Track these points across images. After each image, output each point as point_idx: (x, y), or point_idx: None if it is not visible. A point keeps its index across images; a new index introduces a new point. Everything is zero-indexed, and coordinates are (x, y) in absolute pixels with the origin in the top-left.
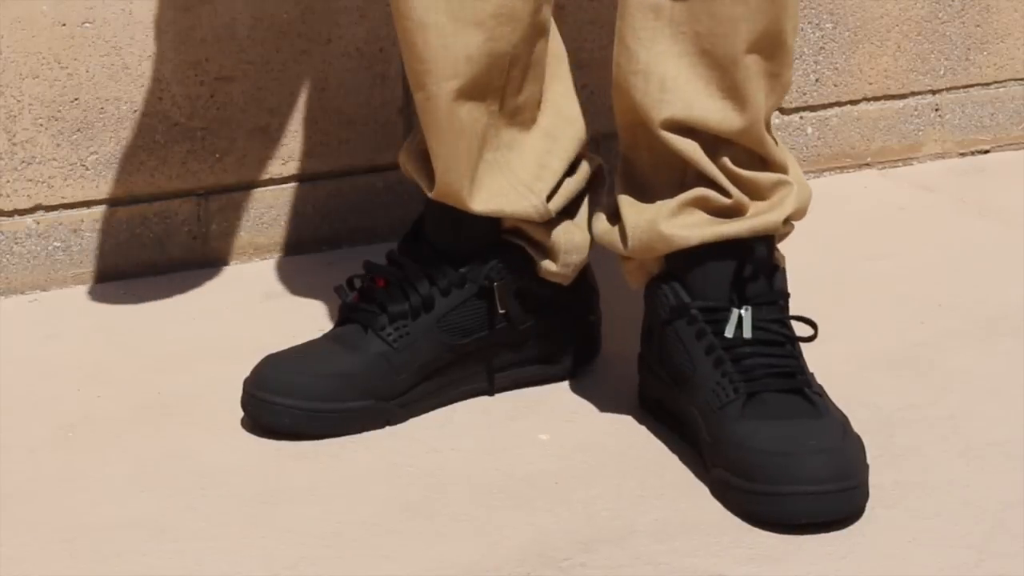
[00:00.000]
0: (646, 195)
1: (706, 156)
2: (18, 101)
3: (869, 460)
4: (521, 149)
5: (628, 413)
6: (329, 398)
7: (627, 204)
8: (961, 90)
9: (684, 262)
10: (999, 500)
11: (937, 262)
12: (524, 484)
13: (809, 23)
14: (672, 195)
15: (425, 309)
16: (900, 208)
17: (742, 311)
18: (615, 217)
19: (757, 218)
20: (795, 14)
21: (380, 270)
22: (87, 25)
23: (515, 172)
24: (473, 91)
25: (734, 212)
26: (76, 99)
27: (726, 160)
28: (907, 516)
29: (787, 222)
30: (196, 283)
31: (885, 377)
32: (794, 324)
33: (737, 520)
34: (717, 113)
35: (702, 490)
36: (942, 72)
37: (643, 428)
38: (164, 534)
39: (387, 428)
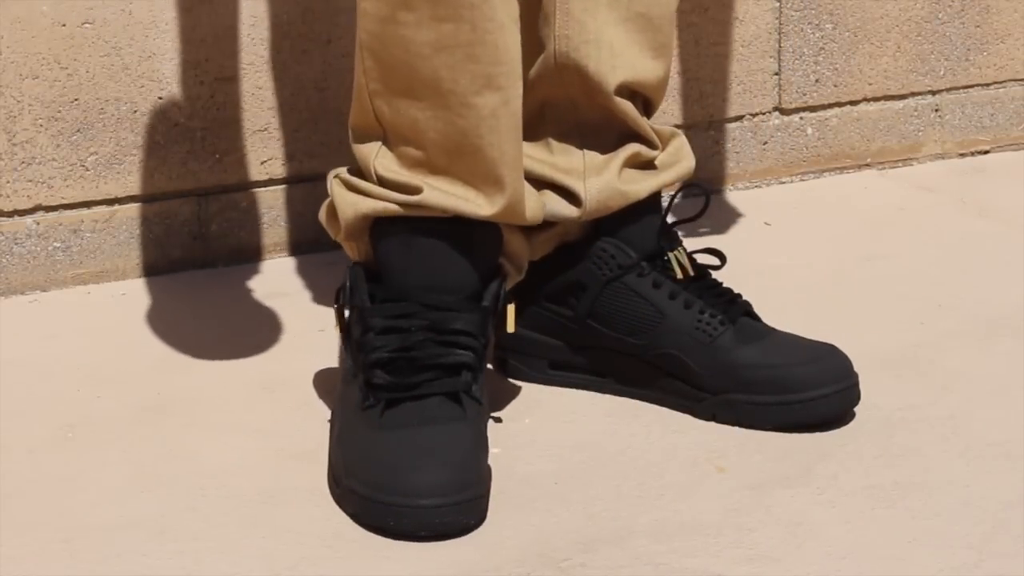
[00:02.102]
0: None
1: (639, 115)
2: (18, 101)
3: (869, 460)
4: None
5: (628, 413)
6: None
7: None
8: (961, 90)
9: (621, 219)
10: (999, 500)
11: (937, 262)
12: (523, 484)
13: (809, 23)
14: (605, 152)
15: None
16: (900, 208)
17: (677, 254)
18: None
19: (680, 164)
20: None
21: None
22: (87, 25)
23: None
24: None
25: (652, 163)
26: (76, 99)
27: (646, 116)
28: (907, 516)
29: None
30: (196, 283)
31: (885, 377)
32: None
33: (737, 520)
34: (651, 72)
35: (702, 490)
36: (942, 72)
37: (642, 428)
38: (164, 534)
39: None
